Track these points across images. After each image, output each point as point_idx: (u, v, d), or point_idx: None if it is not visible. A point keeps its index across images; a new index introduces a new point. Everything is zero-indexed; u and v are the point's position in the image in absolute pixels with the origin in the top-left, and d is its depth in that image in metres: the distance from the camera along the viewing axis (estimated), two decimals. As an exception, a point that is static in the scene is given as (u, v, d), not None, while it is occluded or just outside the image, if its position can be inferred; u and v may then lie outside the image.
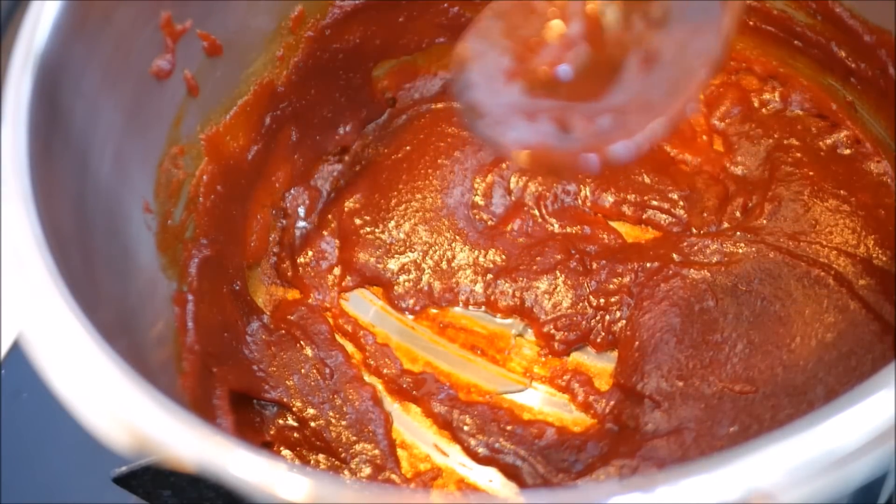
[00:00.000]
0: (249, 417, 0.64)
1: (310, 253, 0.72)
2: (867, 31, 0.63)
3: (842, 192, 0.67)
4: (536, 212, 0.72)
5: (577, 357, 0.66)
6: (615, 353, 0.65)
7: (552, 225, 0.71)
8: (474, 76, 0.46)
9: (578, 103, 0.44)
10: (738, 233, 0.67)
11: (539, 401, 0.65)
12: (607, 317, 0.66)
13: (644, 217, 0.71)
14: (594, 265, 0.68)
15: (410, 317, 0.70)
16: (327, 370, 0.66)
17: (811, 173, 0.68)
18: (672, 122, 0.43)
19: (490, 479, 0.62)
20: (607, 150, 0.42)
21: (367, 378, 0.67)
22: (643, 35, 0.45)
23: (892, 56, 0.62)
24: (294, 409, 0.64)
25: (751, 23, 0.71)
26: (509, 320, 0.69)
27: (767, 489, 0.31)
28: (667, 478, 0.31)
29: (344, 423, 0.64)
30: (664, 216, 0.70)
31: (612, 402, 0.63)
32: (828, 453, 0.31)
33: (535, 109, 0.45)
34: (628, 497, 0.31)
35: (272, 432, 0.64)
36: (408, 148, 0.75)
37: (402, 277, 0.70)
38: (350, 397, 0.65)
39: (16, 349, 0.73)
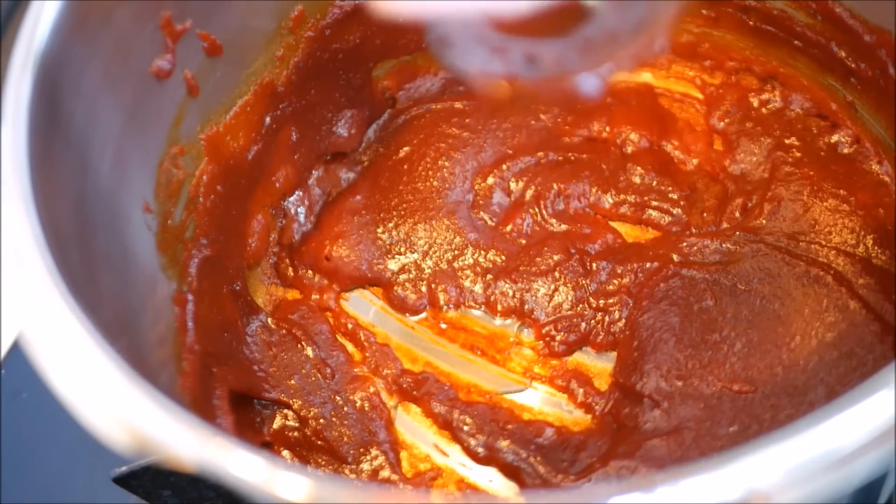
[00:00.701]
0: (249, 417, 0.64)
1: (309, 253, 0.72)
2: (867, 31, 0.63)
3: (841, 191, 0.67)
4: (536, 212, 0.72)
5: (576, 357, 0.66)
6: (615, 354, 0.65)
7: (552, 225, 0.71)
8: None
9: (548, 39, 0.45)
10: (738, 233, 0.67)
11: (539, 401, 0.65)
12: (607, 317, 0.66)
13: (644, 217, 0.71)
14: (594, 266, 0.68)
15: (411, 317, 0.70)
16: (328, 370, 0.66)
17: (811, 173, 0.68)
18: (637, 56, 0.44)
19: (490, 479, 0.62)
20: (573, 80, 0.43)
21: (367, 378, 0.67)
22: None
23: (892, 56, 0.62)
24: (295, 408, 0.64)
25: (751, 23, 0.71)
26: (509, 321, 0.69)
27: (767, 489, 0.31)
28: (667, 478, 0.31)
29: (345, 422, 0.64)
30: (664, 216, 0.71)
31: (611, 402, 0.63)
32: (828, 453, 0.31)
33: (504, 43, 0.45)
34: (628, 497, 0.31)
35: (272, 432, 0.64)
36: (408, 148, 0.75)
37: (402, 277, 0.71)
38: (351, 397, 0.65)
39: (16, 349, 0.73)
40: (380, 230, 0.72)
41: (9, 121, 0.44)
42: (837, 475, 0.31)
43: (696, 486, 0.31)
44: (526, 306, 0.68)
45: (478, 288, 0.69)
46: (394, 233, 0.72)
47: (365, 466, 0.62)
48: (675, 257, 0.67)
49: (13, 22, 0.82)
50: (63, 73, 0.47)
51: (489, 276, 0.70)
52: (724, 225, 0.69)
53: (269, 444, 0.64)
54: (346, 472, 0.62)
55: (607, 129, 0.75)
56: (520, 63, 0.45)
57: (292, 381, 0.65)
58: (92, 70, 0.50)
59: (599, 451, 0.60)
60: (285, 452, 0.64)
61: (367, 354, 0.68)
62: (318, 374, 0.66)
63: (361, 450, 0.63)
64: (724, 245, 0.66)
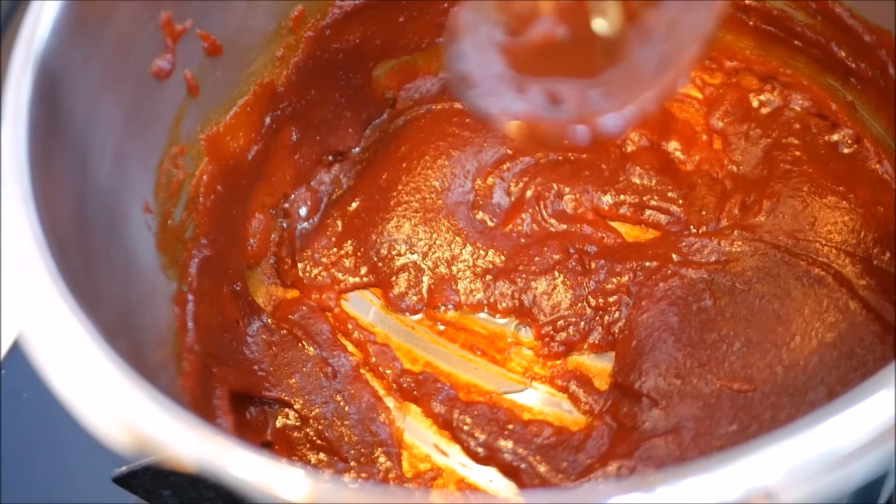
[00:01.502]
0: (250, 417, 0.64)
1: (310, 253, 0.72)
2: (867, 31, 0.63)
3: (840, 188, 0.67)
4: (536, 212, 0.72)
5: (576, 357, 0.66)
6: (614, 353, 0.65)
7: (552, 225, 0.71)
8: (466, 47, 0.46)
9: (570, 79, 0.45)
10: (737, 231, 0.67)
11: (538, 401, 0.65)
12: (606, 317, 0.66)
13: (643, 217, 0.71)
14: (593, 265, 0.68)
15: (411, 317, 0.70)
16: (329, 370, 0.66)
17: (810, 171, 0.68)
18: (662, 95, 0.43)
19: (490, 479, 0.62)
20: (596, 122, 0.43)
21: (368, 378, 0.67)
22: (636, 11, 0.45)
23: (892, 56, 0.62)
24: (296, 407, 0.64)
25: (751, 23, 0.71)
26: (509, 321, 0.69)
27: (767, 489, 0.31)
28: (666, 478, 0.31)
29: (346, 422, 0.64)
30: (663, 216, 0.71)
31: (609, 401, 0.63)
32: (828, 453, 0.31)
33: (526, 82, 0.45)
34: (628, 497, 0.31)
35: (273, 432, 0.64)
36: (407, 148, 0.75)
37: (402, 277, 0.70)
38: (352, 397, 0.65)
39: (16, 349, 0.73)
40: (380, 230, 0.72)
41: (9, 121, 0.44)
42: (837, 475, 0.31)
43: (696, 486, 0.31)
44: (525, 306, 0.68)
45: (477, 288, 0.69)
46: (394, 233, 0.72)
47: (365, 466, 0.62)
48: (674, 257, 0.67)
49: (13, 22, 0.82)
50: (63, 73, 0.47)
51: (489, 277, 0.70)
52: (724, 223, 0.69)
53: (269, 444, 0.64)
54: (347, 471, 0.62)
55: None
56: (542, 104, 0.44)
57: (293, 381, 0.65)
58: (92, 70, 0.50)
59: (599, 451, 0.60)
60: (286, 452, 0.63)
61: (367, 354, 0.68)
62: (321, 374, 0.66)
63: (362, 450, 0.63)
64: (723, 244, 0.66)
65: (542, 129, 0.44)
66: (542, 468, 0.60)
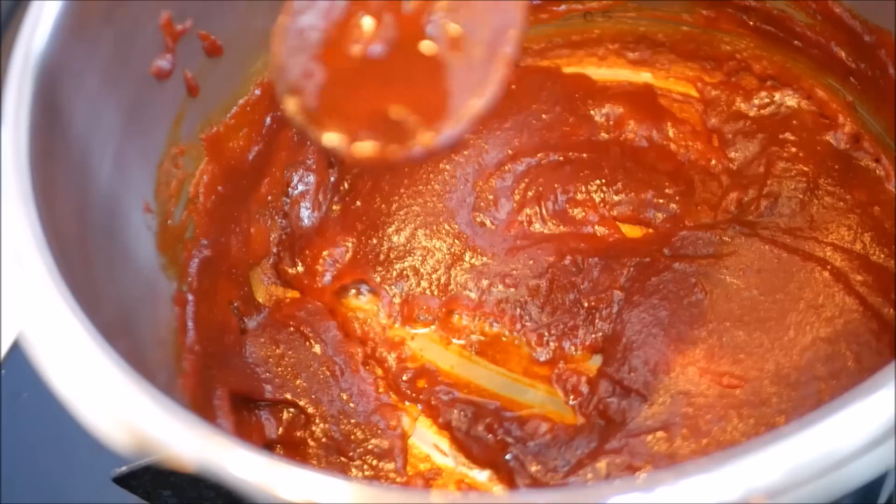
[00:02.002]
0: (252, 417, 0.63)
1: (310, 254, 0.72)
2: (867, 31, 0.63)
3: (839, 188, 0.67)
4: (537, 213, 0.72)
5: (573, 356, 0.66)
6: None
7: (553, 226, 0.71)
8: (287, 56, 0.45)
9: (394, 87, 0.44)
10: (733, 228, 0.67)
11: (537, 400, 0.65)
12: (600, 315, 0.66)
13: (642, 216, 0.71)
14: (590, 265, 0.68)
15: (411, 320, 0.70)
16: (331, 369, 0.66)
17: (807, 169, 0.68)
18: (489, 100, 0.43)
19: (490, 478, 0.62)
20: (431, 139, 0.42)
21: (370, 378, 0.67)
22: (444, 16, 0.45)
23: (892, 56, 0.62)
24: (300, 404, 0.64)
25: (751, 23, 0.71)
26: (507, 322, 0.69)
27: (767, 489, 0.31)
28: (666, 478, 0.31)
29: (351, 421, 0.64)
30: (661, 214, 0.71)
31: (599, 398, 0.63)
32: (828, 453, 0.31)
33: (352, 97, 0.44)
34: (628, 497, 0.31)
35: (277, 432, 0.64)
36: (408, 148, 0.75)
37: (403, 280, 0.70)
38: (355, 397, 0.65)
39: (16, 349, 0.73)
40: (380, 233, 0.72)
41: (9, 121, 0.44)
42: (837, 475, 0.31)
43: (695, 486, 0.31)
44: (524, 308, 0.68)
45: (477, 291, 0.69)
46: (394, 237, 0.72)
47: (368, 465, 0.62)
48: (666, 251, 0.66)
49: (13, 22, 0.82)
50: (63, 74, 0.47)
51: (489, 279, 0.69)
52: (720, 219, 0.68)
53: (273, 443, 0.64)
54: (349, 471, 0.62)
55: (607, 129, 0.75)
56: (369, 122, 0.43)
57: (295, 381, 0.65)
58: (92, 71, 0.50)
59: (589, 448, 0.60)
60: (289, 452, 0.63)
61: (368, 355, 0.68)
62: (324, 374, 0.66)
63: (369, 448, 0.63)
64: (718, 238, 0.66)
65: (373, 152, 0.43)
66: (534, 467, 0.60)
